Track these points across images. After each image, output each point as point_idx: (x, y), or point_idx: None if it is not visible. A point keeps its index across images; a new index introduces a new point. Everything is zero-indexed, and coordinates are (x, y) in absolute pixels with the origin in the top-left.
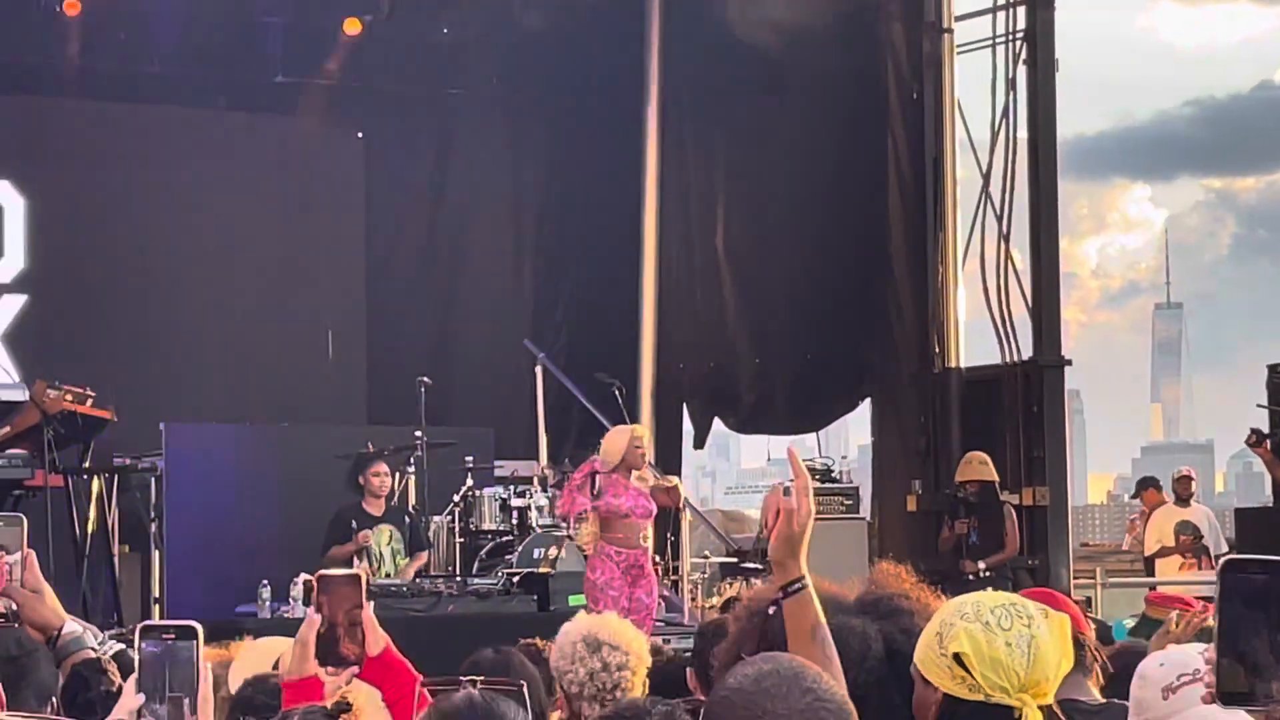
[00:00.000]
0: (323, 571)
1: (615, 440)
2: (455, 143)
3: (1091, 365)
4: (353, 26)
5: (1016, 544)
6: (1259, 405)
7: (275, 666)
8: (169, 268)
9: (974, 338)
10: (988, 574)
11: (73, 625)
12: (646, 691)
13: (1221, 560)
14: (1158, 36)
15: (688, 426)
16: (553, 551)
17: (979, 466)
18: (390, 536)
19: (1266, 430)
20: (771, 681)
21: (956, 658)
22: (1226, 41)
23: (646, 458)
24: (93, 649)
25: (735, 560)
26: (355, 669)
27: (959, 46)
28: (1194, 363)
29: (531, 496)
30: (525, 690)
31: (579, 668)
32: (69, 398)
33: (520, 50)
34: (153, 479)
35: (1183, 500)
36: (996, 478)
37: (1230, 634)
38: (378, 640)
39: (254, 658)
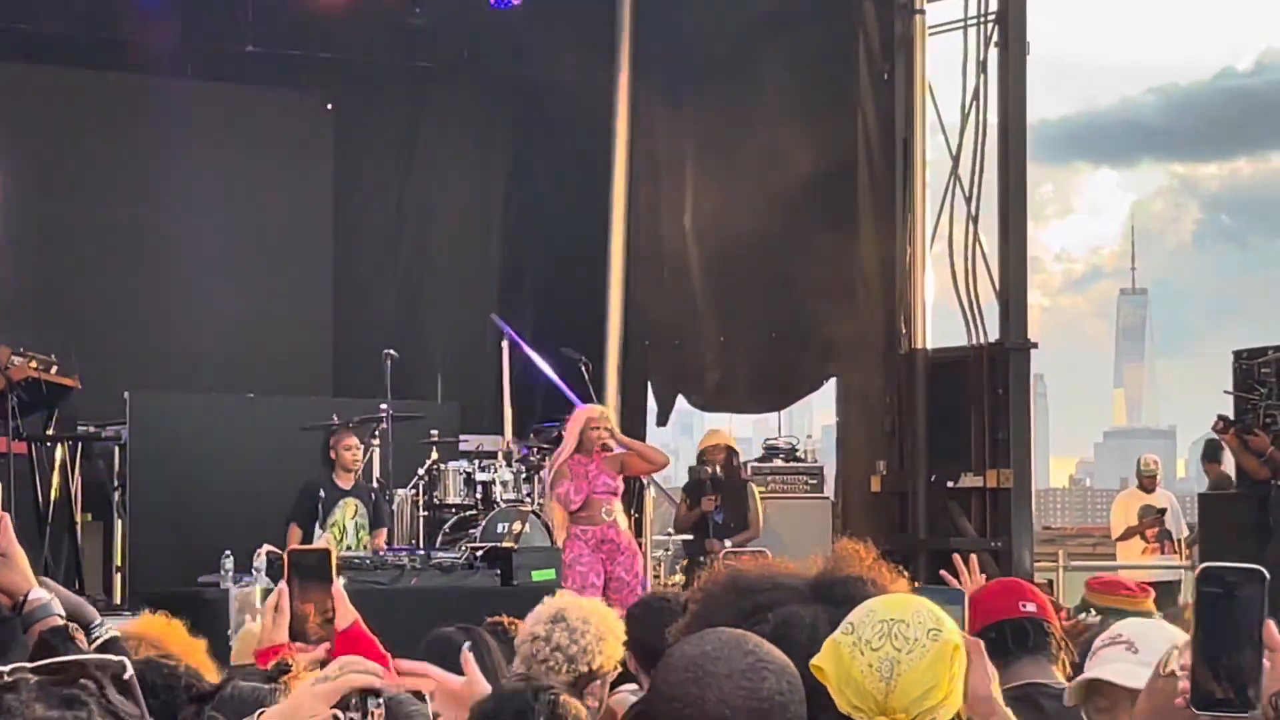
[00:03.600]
0: (293, 547)
1: (573, 423)
2: (425, 116)
3: (1054, 349)
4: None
5: (760, 525)
6: (1226, 392)
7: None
8: (135, 236)
9: (940, 320)
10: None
11: (39, 591)
12: (605, 685)
13: (1199, 568)
14: (1120, 20)
15: (651, 404)
16: (517, 526)
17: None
18: (355, 510)
19: (1233, 417)
20: (713, 645)
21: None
22: (1189, 26)
23: (605, 439)
24: (60, 615)
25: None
26: (327, 645)
27: (930, 28)
28: (1157, 348)
29: (496, 471)
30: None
31: (527, 626)
32: (34, 365)
33: (491, 25)
34: (116, 448)
35: (1146, 489)
36: (740, 456)
37: (1206, 640)
38: (347, 615)
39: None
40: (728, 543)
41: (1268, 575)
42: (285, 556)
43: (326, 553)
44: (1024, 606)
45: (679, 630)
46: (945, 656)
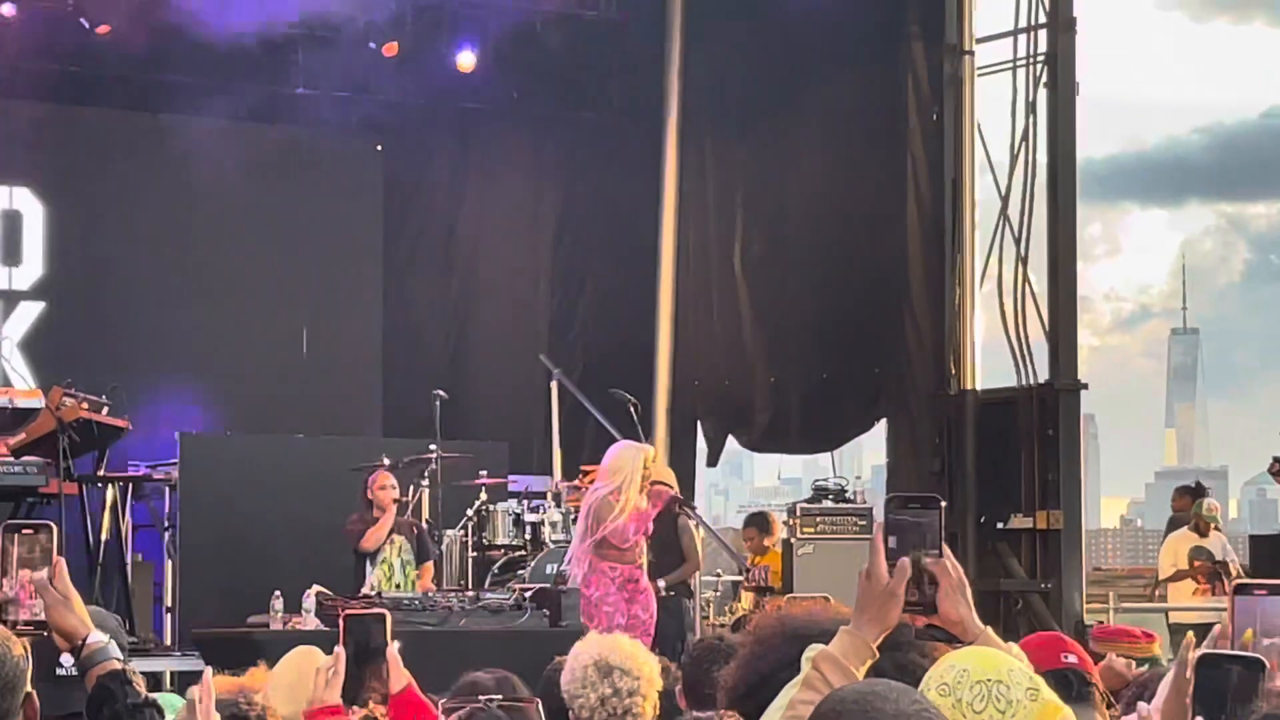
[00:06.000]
0: (349, 611)
1: (632, 460)
2: (474, 157)
3: (1104, 388)
4: (390, 50)
5: (698, 560)
6: None
7: None
8: (186, 277)
9: (990, 360)
10: (670, 593)
11: (98, 635)
12: (657, 714)
13: (1197, 654)
14: (1164, 59)
15: (701, 444)
16: (565, 568)
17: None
18: (400, 547)
19: None
20: (883, 688)
21: None
22: (1234, 65)
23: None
24: (117, 659)
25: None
26: (381, 708)
27: (980, 69)
28: (1208, 388)
29: (545, 512)
30: (539, 708)
31: (589, 693)
32: (85, 406)
33: (541, 66)
34: (167, 488)
35: (1201, 532)
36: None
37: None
38: (400, 679)
39: (290, 671)
40: (661, 582)
41: (1267, 665)
42: (342, 620)
43: (383, 616)
44: (1065, 658)
45: (730, 672)
46: (1048, 717)
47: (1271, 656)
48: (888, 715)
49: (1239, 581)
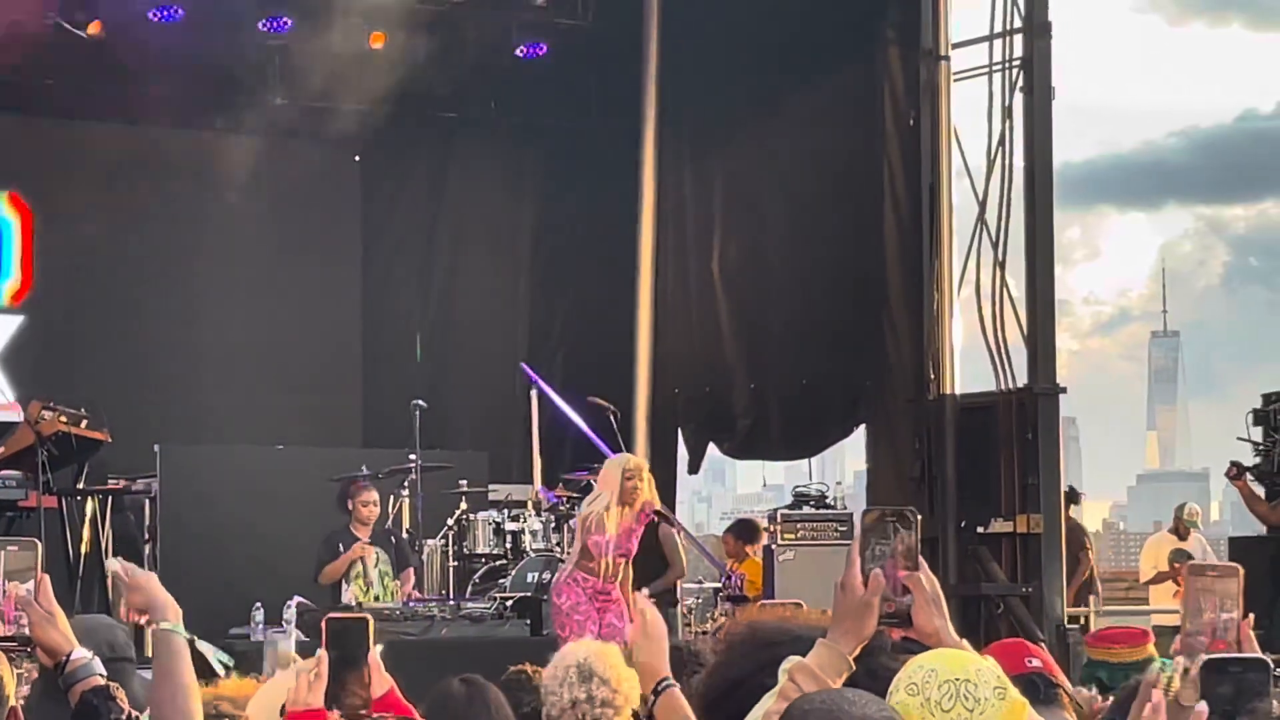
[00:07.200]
0: (331, 614)
1: (610, 472)
2: (452, 166)
3: (1084, 392)
4: (378, 40)
5: (682, 566)
6: (1239, 439)
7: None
8: (165, 289)
9: (969, 365)
10: (653, 600)
11: (81, 651)
12: None
13: (1201, 659)
14: (1139, 63)
15: (682, 451)
16: (546, 576)
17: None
18: (378, 559)
19: (1247, 464)
20: (852, 694)
21: None
22: (1208, 69)
23: (644, 493)
24: (101, 675)
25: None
26: (362, 713)
27: (956, 74)
28: (1189, 391)
29: (525, 520)
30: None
31: (564, 692)
32: (64, 419)
33: (517, 74)
34: (146, 501)
35: (1181, 535)
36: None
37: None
38: (382, 683)
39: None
40: (644, 590)
41: (1272, 665)
42: (324, 623)
43: (365, 620)
44: (1030, 662)
45: (699, 681)
46: (1015, 715)
47: (1221, 634)
48: (856, 717)
49: (1193, 564)
